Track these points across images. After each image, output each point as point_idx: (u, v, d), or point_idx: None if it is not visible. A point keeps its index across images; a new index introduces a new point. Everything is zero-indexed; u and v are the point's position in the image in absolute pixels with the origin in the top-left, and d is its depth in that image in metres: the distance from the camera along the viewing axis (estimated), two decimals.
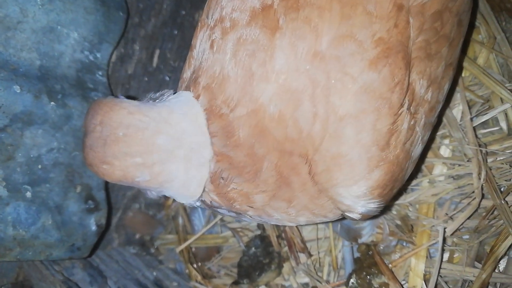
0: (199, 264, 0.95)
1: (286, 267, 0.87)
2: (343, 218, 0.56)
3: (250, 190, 0.50)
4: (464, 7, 0.55)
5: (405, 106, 0.47)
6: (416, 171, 0.80)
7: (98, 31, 0.75)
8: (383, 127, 0.46)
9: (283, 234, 0.87)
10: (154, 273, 0.89)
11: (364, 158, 0.47)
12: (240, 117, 0.47)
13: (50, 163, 0.70)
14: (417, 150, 0.53)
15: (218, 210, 0.54)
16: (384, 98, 0.46)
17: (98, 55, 0.77)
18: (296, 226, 0.87)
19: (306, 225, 0.89)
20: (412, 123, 0.49)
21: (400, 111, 0.47)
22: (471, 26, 0.81)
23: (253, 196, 0.51)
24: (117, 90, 0.86)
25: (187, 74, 0.56)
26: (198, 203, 0.54)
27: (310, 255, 0.86)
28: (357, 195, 0.50)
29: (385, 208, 0.81)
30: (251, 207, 0.52)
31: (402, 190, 0.80)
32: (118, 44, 0.81)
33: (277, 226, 0.88)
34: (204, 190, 0.52)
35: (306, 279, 0.86)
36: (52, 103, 0.70)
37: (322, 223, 0.86)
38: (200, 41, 0.54)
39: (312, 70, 0.45)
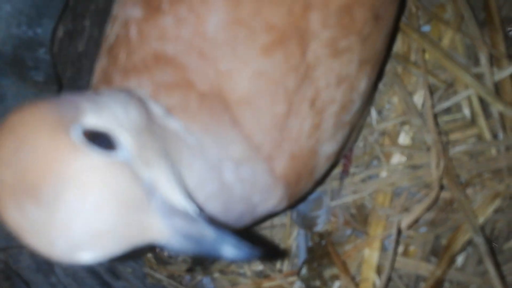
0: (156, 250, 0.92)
1: None
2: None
3: None
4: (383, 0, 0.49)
5: (306, 100, 0.46)
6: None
7: (35, 4, 0.70)
8: (280, 111, 0.45)
9: None
10: None
11: (266, 140, 0.46)
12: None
13: None
14: (327, 148, 0.51)
15: None
16: (279, 82, 0.44)
17: (39, 30, 0.72)
18: None
19: None
20: (316, 121, 0.47)
21: (295, 98, 0.45)
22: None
23: None
24: (66, 68, 0.81)
25: None
26: None
27: None
28: None
29: (342, 197, 0.77)
30: None
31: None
32: (62, 19, 0.76)
33: None
34: None
35: (261, 267, 0.83)
36: None
37: None
38: None
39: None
